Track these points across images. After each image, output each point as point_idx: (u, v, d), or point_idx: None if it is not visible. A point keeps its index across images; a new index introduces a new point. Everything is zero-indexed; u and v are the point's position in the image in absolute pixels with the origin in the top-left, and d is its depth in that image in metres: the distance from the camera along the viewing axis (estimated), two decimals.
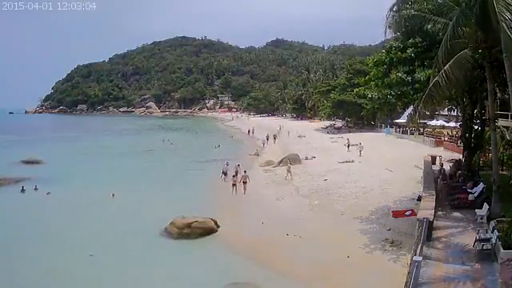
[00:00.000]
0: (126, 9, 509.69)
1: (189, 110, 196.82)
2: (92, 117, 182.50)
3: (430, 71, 16.98)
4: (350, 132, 65.75)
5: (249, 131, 76.59)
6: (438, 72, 15.57)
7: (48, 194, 29.21)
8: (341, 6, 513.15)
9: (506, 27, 13.21)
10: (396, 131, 58.66)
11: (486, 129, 21.36)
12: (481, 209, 15.95)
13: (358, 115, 72.13)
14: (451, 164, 25.84)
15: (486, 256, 12.23)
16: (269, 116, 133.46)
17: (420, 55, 18.92)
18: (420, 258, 10.92)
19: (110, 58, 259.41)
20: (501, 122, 22.21)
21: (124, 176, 36.93)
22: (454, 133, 40.53)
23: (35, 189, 30.51)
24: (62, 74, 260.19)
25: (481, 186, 18.23)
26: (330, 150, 44.95)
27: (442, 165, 26.50)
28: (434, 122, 50.41)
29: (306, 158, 39.65)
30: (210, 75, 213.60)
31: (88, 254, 17.53)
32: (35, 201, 28.27)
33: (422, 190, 20.83)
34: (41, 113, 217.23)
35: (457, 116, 38.57)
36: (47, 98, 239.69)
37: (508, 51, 13.26)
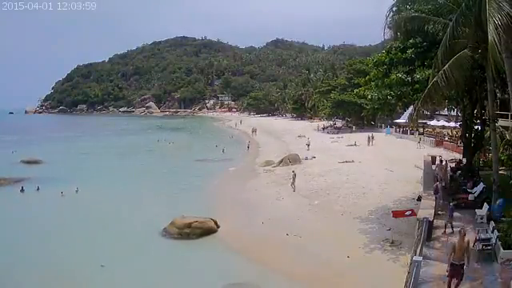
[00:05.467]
0: (125, 9, 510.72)
1: (189, 110, 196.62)
2: (92, 117, 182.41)
3: (430, 71, 16.99)
4: (351, 132, 65.71)
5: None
6: (438, 72, 15.57)
7: (62, 193, 29.17)
8: (341, 6, 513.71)
9: (493, 29, 13.16)
10: (396, 131, 58.69)
11: (486, 129, 21.35)
12: (481, 209, 15.95)
13: (358, 115, 72.12)
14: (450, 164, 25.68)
15: (486, 256, 12.23)
16: (269, 116, 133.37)
17: (420, 55, 18.92)
18: (420, 258, 10.94)
19: (109, 58, 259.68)
20: (501, 122, 22.21)
21: (124, 176, 36.97)
22: (454, 133, 40.54)
23: (37, 189, 30.48)
24: (62, 73, 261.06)
25: (481, 186, 18.23)
26: (330, 150, 44.99)
27: (441, 161, 25.91)
28: (434, 122, 50.44)
29: (306, 158, 39.65)
30: (210, 75, 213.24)
31: (92, 259, 17.44)
32: (34, 201, 28.29)
33: (421, 189, 20.86)
34: (41, 113, 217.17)
35: (457, 116, 38.54)
36: (47, 98, 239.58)
37: (493, 53, 13.18)
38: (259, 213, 22.71)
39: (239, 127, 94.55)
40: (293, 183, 27.56)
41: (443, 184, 19.59)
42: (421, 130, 50.70)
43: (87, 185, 30.96)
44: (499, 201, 15.19)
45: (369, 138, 48.98)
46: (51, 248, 18.94)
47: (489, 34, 13.16)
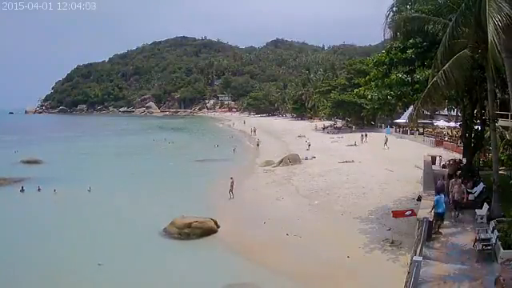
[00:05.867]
0: (125, 9, 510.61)
1: (189, 110, 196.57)
2: (92, 117, 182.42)
3: (430, 71, 16.98)
4: (351, 132, 65.68)
5: None
6: (438, 72, 15.56)
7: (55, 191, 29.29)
8: (341, 6, 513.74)
9: (493, 30, 13.13)
10: (396, 131, 58.71)
11: (486, 129, 21.34)
12: (481, 209, 15.95)
13: (358, 115, 72.13)
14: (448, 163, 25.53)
15: (486, 256, 12.23)
16: (269, 116, 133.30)
17: (420, 56, 18.92)
18: (420, 258, 10.93)
19: (109, 58, 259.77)
20: (501, 122, 22.18)
21: (124, 176, 36.94)
22: (454, 133, 40.55)
23: (38, 189, 30.42)
24: (62, 73, 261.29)
25: (481, 186, 18.22)
26: (330, 150, 45.02)
27: (443, 166, 25.75)
28: (436, 123, 50.52)
29: (306, 158, 39.67)
30: (210, 75, 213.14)
31: (92, 259, 17.41)
32: (34, 201, 28.28)
33: (421, 189, 20.85)
34: (41, 113, 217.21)
35: (457, 116, 38.58)
36: (47, 98, 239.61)
37: (493, 53, 13.14)
38: (259, 213, 22.72)
39: (240, 127, 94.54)
40: (231, 190, 26.88)
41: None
42: (421, 129, 50.76)
43: (87, 185, 30.92)
44: (437, 197, 15.16)
45: (362, 136, 52.25)
46: (51, 248, 18.94)
47: (488, 34, 13.13)
